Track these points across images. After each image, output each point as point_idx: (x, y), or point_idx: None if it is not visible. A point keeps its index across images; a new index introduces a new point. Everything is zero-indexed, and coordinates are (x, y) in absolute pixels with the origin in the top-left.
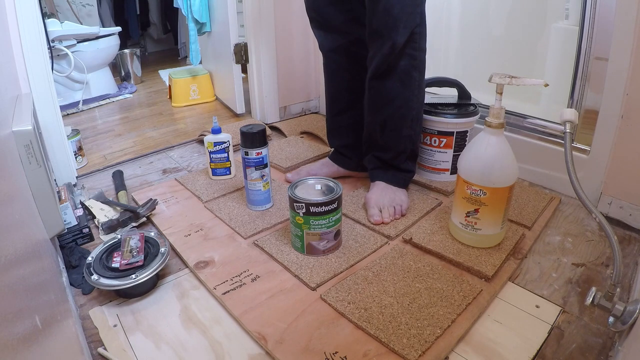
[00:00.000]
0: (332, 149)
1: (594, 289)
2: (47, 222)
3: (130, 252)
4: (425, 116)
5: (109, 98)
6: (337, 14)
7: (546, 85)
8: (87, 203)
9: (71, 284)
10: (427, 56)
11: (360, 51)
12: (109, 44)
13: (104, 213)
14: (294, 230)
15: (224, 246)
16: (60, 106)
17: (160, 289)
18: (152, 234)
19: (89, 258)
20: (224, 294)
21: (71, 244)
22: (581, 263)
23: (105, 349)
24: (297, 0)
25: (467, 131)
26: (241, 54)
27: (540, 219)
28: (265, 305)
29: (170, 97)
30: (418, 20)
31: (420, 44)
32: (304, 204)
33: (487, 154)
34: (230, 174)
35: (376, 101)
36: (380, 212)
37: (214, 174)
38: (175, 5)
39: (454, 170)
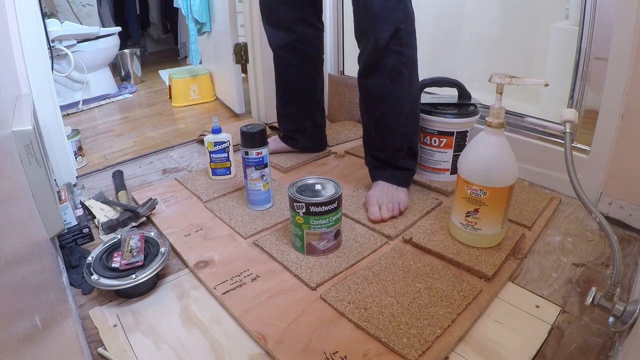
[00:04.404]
0: (282, 132)
1: (594, 289)
2: (47, 222)
3: (130, 252)
4: (426, 116)
5: (109, 98)
6: (287, 12)
7: (546, 85)
8: (87, 203)
9: (71, 284)
10: (426, 55)
11: (304, 48)
12: (109, 44)
13: (104, 213)
14: (294, 230)
15: (224, 246)
16: (60, 106)
17: (160, 289)
18: (152, 234)
19: (89, 258)
20: (224, 293)
21: (71, 244)
22: (581, 263)
23: (105, 349)
24: None
25: (467, 131)
26: (241, 54)
27: (540, 219)
28: (265, 305)
29: (170, 97)
30: (402, 16)
31: (408, 40)
32: (304, 204)
33: (487, 154)
34: (230, 174)
35: (368, 100)
36: (380, 209)
37: (214, 173)
38: (175, 5)
39: (454, 170)
